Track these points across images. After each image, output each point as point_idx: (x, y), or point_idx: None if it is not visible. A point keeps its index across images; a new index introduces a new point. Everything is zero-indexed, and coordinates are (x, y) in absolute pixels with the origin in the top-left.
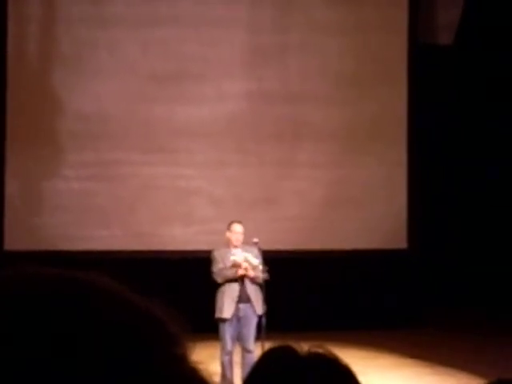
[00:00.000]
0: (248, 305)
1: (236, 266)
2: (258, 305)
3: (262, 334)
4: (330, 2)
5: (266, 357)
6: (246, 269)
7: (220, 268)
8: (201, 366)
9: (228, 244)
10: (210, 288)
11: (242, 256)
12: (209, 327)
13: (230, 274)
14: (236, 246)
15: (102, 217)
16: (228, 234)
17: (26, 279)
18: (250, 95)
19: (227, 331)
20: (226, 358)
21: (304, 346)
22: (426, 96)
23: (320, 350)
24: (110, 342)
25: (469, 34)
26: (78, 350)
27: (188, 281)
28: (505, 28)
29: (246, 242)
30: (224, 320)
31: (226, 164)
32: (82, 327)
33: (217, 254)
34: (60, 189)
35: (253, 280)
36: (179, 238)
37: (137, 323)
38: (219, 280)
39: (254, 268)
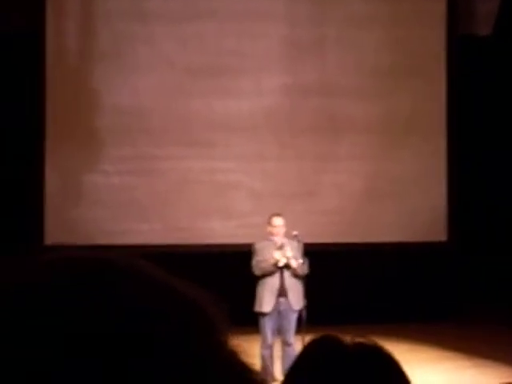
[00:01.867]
0: (287, 298)
1: (276, 264)
2: (298, 299)
3: (302, 327)
4: None
5: (311, 346)
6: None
7: (259, 261)
8: (241, 350)
9: (269, 237)
10: (250, 281)
11: (281, 255)
12: (249, 321)
13: (268, 267)
14: (277, 240)
15: (140, 211)
16: (269, 227)
17: (64, 264)
18: (288, 89)
19: (267, 325)
20: (267, 352)
21: (347, 337)
22: (465, 87)
23: (364, 340)
24: (149, 329)
25: (508, 23)
26: (117, 336)
27: (227, 274)
28: None
29: (286, 235)
30: (264, 314)
31: (264, 157)
32: (120, 313)
33: (258, 247)
34: (99, 183)
35: (293, 273)
36: (218, 231)
37: (176, 308)
38: (257, 273)
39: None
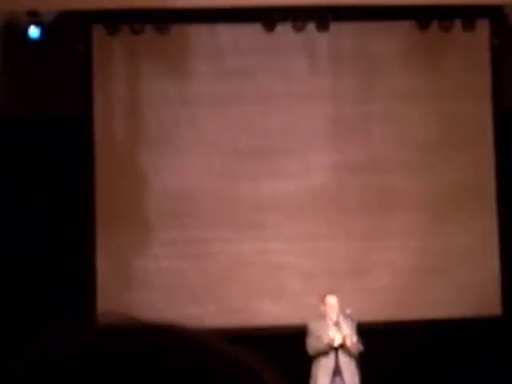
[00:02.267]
0: (342, 378)
1: (331, 343)
2: (352, 378)
3: None
4: (411, 70)
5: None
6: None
7: (313, 341)
8: None
9: (324, 316)
10: (303, 362)
11: (340, 334)
12: None
13: (322, 347)
14: (332, 319)
15: (191, 294)
16: (323, 306)
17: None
18: (335, 167)
19: None
20: None
21: None
22: None
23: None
24: None
25: None
26: None
27: (281, 356)
28: None
29: (340, 313)
30: None
31: (314, 237)
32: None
33: (312, 327)
34: (149, 267)
35: (347, 352)
36: (270, 312)
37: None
38: (312, 352)
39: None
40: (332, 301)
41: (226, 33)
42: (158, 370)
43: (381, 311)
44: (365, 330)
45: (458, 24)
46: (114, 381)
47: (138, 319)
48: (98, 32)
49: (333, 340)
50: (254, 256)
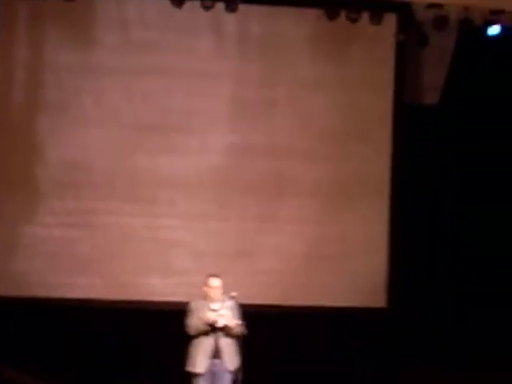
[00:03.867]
0: (221, 359)
1: (211, 324)
2: (232, 359)
3: None
4: (317, 59)
5: None
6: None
7: (193, 321)
8: None
9: (205, 297)
10: (186, 340)
11: (217, 316)
12: (184, 380)
13: (201, 327)
14: (214, 300)
15: (81, 265)
16: (205, 287)
17: None
18: (234, 148)
19: None
20: None
21: None
22: (410, 155)
23: None
24: None
25: (455, 93)
26: None
27: (165, 332)
28: (491, 88)
29: (225, 295)
30: (197, 374)
31: (208, 216)
32: None
33: (193, 307)
34: (40, 236)
35: (228, 334)
36: (158, 288)
37: None
38: (192, 332)
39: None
40: (215, 282)
41: (133, 6)
42: None
43: (268, 295)
44: (250, 313)
45: (365, 16)
46: None
47: None
48: None
49: (213, 321)
50: (145, 231)
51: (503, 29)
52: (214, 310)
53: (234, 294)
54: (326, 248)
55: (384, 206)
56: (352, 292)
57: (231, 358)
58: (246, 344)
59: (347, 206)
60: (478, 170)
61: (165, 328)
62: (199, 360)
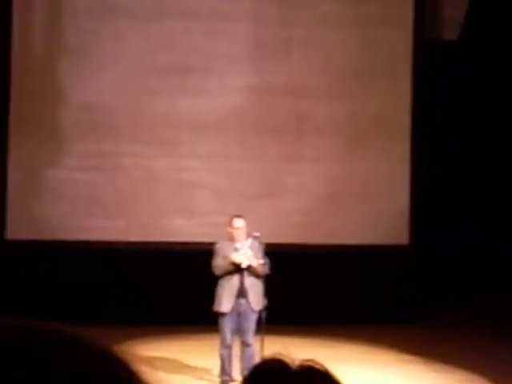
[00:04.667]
0: (247, 299)
1: (236, 265)
2: (258, 299)
3: (261, 327)
4: None
5: (256, 369)
6: (248, 265)
7: (219, 261)
8: None
9: (230, 238)
10: (212, 280)
11: (242, 256)
12: (210, 320)
13: (228, 267)
14: (238, 241)
15: (103, 207)
16: (229, 229)
17: None
18: (254, 89)
19: (226, 325)
20: (225, 352)
21: (296, 359)
22: (430, 92)
23: (311, 364)
24: None
25: (475, 29)
26: None
27: (189, 273)
28: (511, 24)
29: (248, 235)
30: (223, 314)
31: (229, 157)
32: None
33: (218, 247)
34: (62, 179)
35: (253, 274)
36: (181, 229)
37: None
38: (217, 273)
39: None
40: (239, 223)
41: None
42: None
43: (291, 234)
44: (274, 253)
45: None
46: None
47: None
48: None
49: (238, 261)
50: (167, 173)
51: None
52: (238, 250)
53: (256, 234)
54: (348, 187)
55: (405, 144)
56: (374, 230)
57: (256, 297)
58: (270, 282)
59: (368, 145)
60: (500, 107)
61: (189, 268)
62: (225, 300)
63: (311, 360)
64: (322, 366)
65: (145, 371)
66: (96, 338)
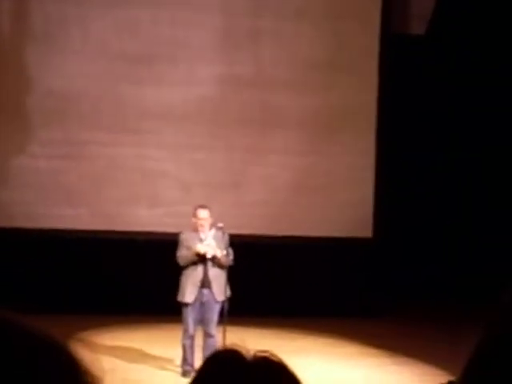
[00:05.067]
0: (210, 290)
1: (200, 256)
2: (221, 290)
3: (224, 318)
4: None
5: (211, 360)
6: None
7: (183, 252)
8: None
9: (194, 228)
10: (176, 271)
11: (206, 247)
12: (173, 310)
13: (192, 258)
14: (202, 231)
15: (67, 196)
16: (193, 219)
17: None
18: (221, 79)
19: (190, 315)
20: (188, 342)
21: (250, 350)
22: (396, 85)
23: (266, 355)
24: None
25: (442, 24)
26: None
27: (153, 263)
28: (478, 19)
29: (212, 226)
30: (186, 304)
31: (195, 147)
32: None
33: (183, 238)
34: (26, 166)
35: (217, 265)
36: (145, 219)
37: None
38: (182, 263)
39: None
40: (203, 213)
41: None
42: None
43: (255, 226)
44: (238, 244)
45: None
46: None
47: None
48: None
49: (202, 252)
50: (132, 162)
51: None
52: (202, 241)
53: (220, 224)
54: (313, 179)
55: (371, 137)
56: (339, 222)
57: (220, 288)
58: (233, 273)
59: (333, 138)
60: (466, 102)
61: (153, 258)
62: (188, 290)
63: (266, 351)
64: (277, 357)
65: (96, 359)
66: (41, 327)
